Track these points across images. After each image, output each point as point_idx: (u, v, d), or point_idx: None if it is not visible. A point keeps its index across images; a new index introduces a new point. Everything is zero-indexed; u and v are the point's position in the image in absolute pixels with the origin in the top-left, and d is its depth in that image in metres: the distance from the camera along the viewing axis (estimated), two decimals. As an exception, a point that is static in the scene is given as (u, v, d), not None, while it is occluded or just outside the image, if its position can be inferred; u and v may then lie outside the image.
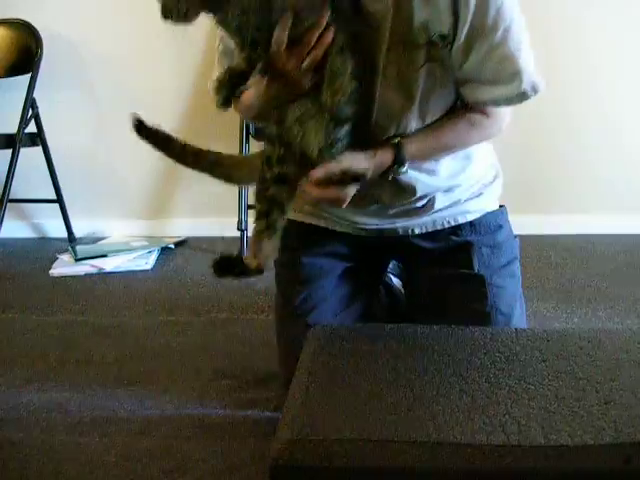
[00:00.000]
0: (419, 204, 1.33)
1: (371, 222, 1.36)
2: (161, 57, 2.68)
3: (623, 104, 2.68)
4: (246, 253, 1.24)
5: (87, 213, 2.88)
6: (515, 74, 1.17)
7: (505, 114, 1.27)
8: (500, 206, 1.43)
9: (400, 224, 1.36)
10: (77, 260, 2.55)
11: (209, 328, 1.93)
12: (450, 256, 1.37)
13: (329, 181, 1.15)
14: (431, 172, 1.29)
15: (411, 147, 1.21)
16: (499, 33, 1.13)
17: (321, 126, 1.13)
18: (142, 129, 1.22)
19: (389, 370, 1.03)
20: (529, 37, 1.18)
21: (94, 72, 2.77)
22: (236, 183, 1.51)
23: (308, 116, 1.14)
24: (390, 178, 1.23)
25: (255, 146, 1.32)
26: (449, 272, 1.36)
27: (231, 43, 1.18)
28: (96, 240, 2.84)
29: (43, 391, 1.59)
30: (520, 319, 1.38)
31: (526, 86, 1.17)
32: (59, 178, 2.77)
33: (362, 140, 1.19)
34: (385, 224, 1.36)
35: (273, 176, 1.20)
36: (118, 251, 2.62)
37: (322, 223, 1.39)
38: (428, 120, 1.23)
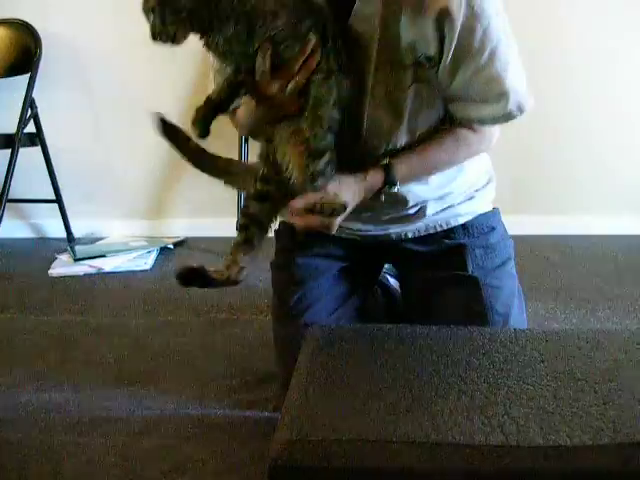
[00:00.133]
0: (411, 211, 1.34)
1: (365, 228, 1.37)
2: (160, 57, 2.68)
3: (633, 104, 2.68)
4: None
5: (86, 213, 2.88)
6: (502, 94, 1.17)
7: (494, 130, 1.29)
8: (493, 208, 1.44)
9: (393, 230, 1.37)
10: (76, 260, 2.55)
11: (208, 328, 1.93)
12: (444, 259, 1.37)
13: (309, 211, 1.16)
14: (423, 182, 1.31)
15: (401, 168, 1.22)
16: (486, 54, 1.14)
17: (302, 155, 1.14)
18: (165, 128, 1.23)
19: (388, 370, 1.03)
20: (517, 48, 1.18)
21: (93, 72, 2.77)
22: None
23: (295, 139, 1.15)
24: (383, 199, 1.24)
25: (255, 146, 1.32)
26: (443, 274, 1.36)
27: None
28: (95, 240, 2.84)
29: (42, 391, 1.59)
30: (520, 319, 1.38)
31: (512, 106, 1.18)
32: (58, 178, 2.77)
33: (351, 160, 1.19)
34: (379, 230, 1.37)
35: (256, 192, 1.22)
36: (117, 251, 2.62)
37: None
38: (417, 135, 1.24)
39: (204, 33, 1.09)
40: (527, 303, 1.47)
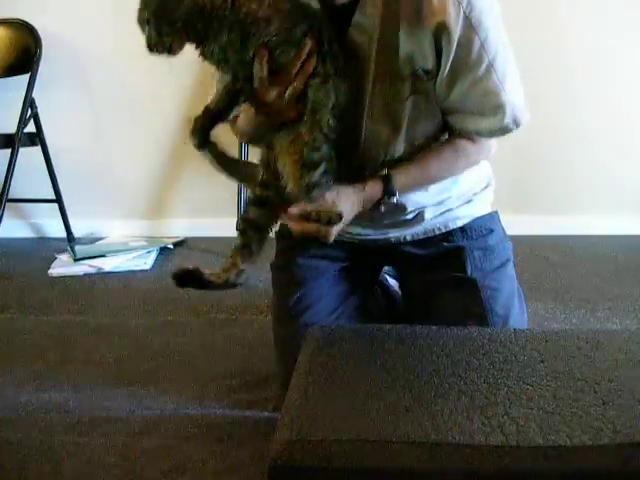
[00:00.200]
0: (410, 216, 1.35)
1: (364, 232, 1.38)
2: (160, 57, 2.68)
3: (632, 104, 2.68)
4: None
5: (86, 213, 2.88)
6: (498, 107, 1.18)
7: (492, 141, 1.29)
8: (491, 211, 1.44)
9: (392, 234, 1.38)
10: (76, 260, 2.55)
11: (208, 328, 1.93)
12: (443, 261, 1.38)
13: (305, 218, 1.16)
14: (421, 189, 1.31)
15: (400, 178, 1.23)
16: (483, 67, 1.14)
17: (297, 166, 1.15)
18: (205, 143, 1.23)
19: (388, 370, 1.03)
20: (514, 61, 1.18)
21: (93, 72, 2.77)
22: None
23: (294, 147, 1.15)
24: (382, 209, 1.25)
25: (254, 150, 1.33)
26: (442, 277, 1.37)
27: None
28: (95, 240, 2.84)
29: (42, 391, 1.59)
30: (521, 320, 1.39)
31: (509, 120, 1.19)
32: (58, 178, 2.77)
33: (349, 169, 1.20)
34: (378, 234, 1.38)
35: (255, 198, 1.23)
36: (117, 251, 2.62)
37: None
38: (415, 144, 1.24)
39: (199, 43, 1.09)
40: (527, 303, 1.47)
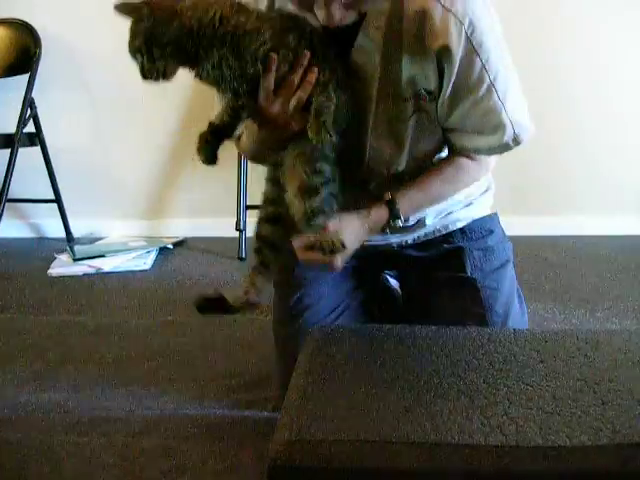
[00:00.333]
0: (410, 223, 1.35)
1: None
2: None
3: (626, 104, 2.68)
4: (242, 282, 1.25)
5: (85, 213, 2.88)
6: (498, 126, 1.18)
7: (490, 159, 1.30)
8: (491, 213, 1.45)
9: (394, 239, 1.39)
10: (75, 260, 2.55)
11: (208, 328, 1.93)
12: (443, 262, 1.39)
13: (310, 248, 1.17)
14: None
15: (404, 201, 1.24)
16: (484, 87, 1.15)
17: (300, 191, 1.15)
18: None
19: (387, 371, 1.03)
20: (516, 76, 1.19)
21: (93, 72, 2.77)
22: None
23: (297, 166, 1.15)
24: (388, 232, 1.26)
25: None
26: (442, 276, 1.37)
27: None
28: (94, 240, 2.83)
29: (41, 391, 1.59)
30: (520, 320, 1.39)
31: (508, 138, 1.20)
32: (57, 178, 2.77)
33: (353, 185, 1.21)
34: (379, 240, 1.38)
35: (266, 215, 1.23)
36: (116, 251, 2.62)
37: None
38: (418, 158, 1.26)
39: (193, 64, 1.10)
40: (526, 304, 1.47)
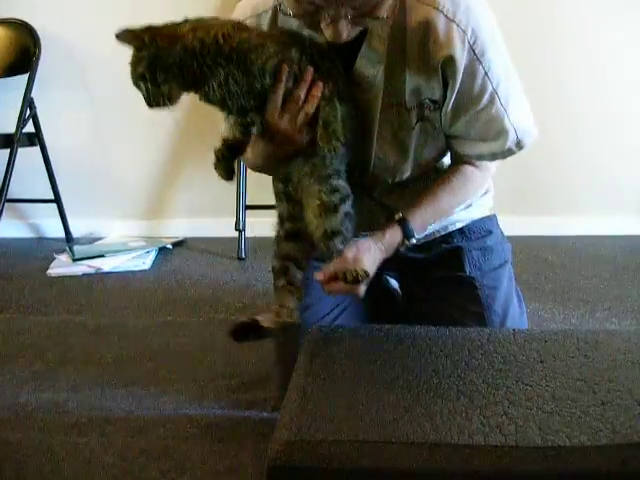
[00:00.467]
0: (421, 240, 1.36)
1: None
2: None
3: (626, 104, 2.68)
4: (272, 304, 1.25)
5: (85, 213, 2.88)
6: (501, 132, 1.20)
7: (492, 165, 1.31)
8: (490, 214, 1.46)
9: None
10: (75, 260, 2.54)
11: (208, 328, 1.93)
12: (442, 261, 1.39)
13: (333, 278, 1.18)
14: None
15: (415, 219, 1.25)
16: (487, 95, 1.16)
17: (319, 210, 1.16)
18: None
19: (387, 371, 1.03)
20: (519, 82, 1.20)
21: (92, 72, 2.77)
22: None
23: (316, 178, 1.16)
24: (402, 249, 1.27)
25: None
26: (441, 275, 1.38)
27: None
28: (94, 240, 2.84)
29: (41, 391, 1.59)
30: (519, 320, 1.39)
31: (511, 144, 1.21)
32: (57, 178, 2.77)
33: (360, 193, 1.22)
34: None
35: (285, 233, 1.23)
36: (116, 251, 2.62)
37: None
38: (422, 165, 1.27)
39: (198, 87, 1.09)
40: (526, 304, 1.47)
